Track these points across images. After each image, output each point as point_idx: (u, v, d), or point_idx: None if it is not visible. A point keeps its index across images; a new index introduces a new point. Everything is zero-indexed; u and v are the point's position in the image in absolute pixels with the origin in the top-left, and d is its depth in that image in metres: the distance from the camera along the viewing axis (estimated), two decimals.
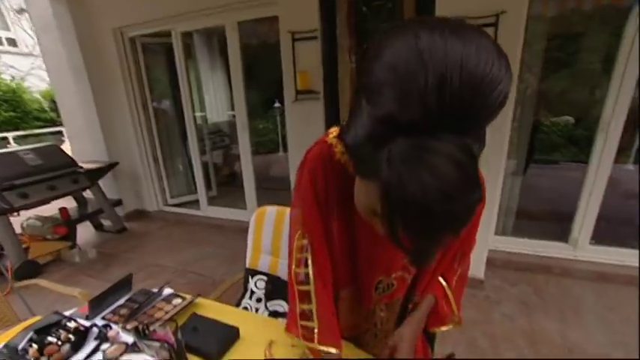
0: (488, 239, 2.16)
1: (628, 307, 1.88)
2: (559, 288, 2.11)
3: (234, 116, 3.35)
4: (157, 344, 0.82)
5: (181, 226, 3.68)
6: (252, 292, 1.26)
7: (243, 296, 1.28)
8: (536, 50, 2.36)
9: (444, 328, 0.85)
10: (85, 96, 3.46)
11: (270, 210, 1.32)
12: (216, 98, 5.15)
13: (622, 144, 2.09)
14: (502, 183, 2.15)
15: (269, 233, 1.30)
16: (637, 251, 2.16)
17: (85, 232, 3.53)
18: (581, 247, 2.29)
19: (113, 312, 1.07)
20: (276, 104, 6.26)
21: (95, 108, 3.50)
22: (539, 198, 3.62)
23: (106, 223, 3.63)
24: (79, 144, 3.83)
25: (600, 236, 2.27)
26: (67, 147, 3.88)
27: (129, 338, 0.94)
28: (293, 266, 0.75)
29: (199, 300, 1.11)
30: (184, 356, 0.83)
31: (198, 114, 3.85)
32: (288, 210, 1.28)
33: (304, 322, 0.74)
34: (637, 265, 2.12)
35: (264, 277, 1.27)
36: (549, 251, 2.36)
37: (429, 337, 0.93)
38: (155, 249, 3.11)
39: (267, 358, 0.85)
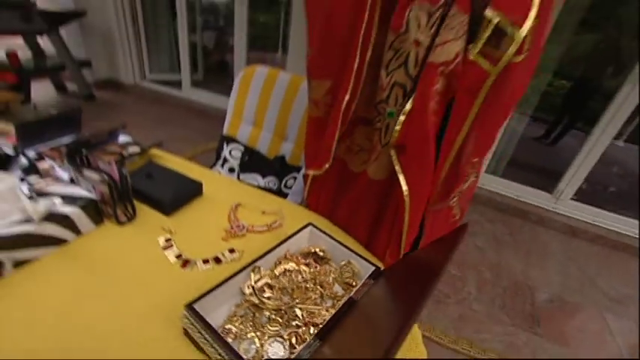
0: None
1: (584, 259, 1.96)
2: (531, 233, 2.13)
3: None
4: (96, 176, 0.66)
5: (158, 104, 3.37)
6: (225, 160, 1.09)
7: (214, 164, 1.12)
8: None
9: None
10: None
11: (260, 71, 1.08)
12: None
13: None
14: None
15: (254, 99, 1.09)
16: (604, 212, 2.23)
17: (43, 89, 3.16)
18: (563, 200, 2.27)
19: (52, 149, 0.88)
20: None
21: None
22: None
23: (71, 87, 3.24)
24: None
25: (581, 195, 2.28)
26: None
27: (65, 175, 0.77)
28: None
29: (161, 153, 0.94)
30: (129, 197, 0.67)
31: None
32: (280, 73, 1.05)
33: None
34: (602, 225, 2.21)
35: (241, 147, 1.10)
36: (532, 199, 2.34)
37: None
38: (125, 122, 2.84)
39: (231, 220, 0.72)
